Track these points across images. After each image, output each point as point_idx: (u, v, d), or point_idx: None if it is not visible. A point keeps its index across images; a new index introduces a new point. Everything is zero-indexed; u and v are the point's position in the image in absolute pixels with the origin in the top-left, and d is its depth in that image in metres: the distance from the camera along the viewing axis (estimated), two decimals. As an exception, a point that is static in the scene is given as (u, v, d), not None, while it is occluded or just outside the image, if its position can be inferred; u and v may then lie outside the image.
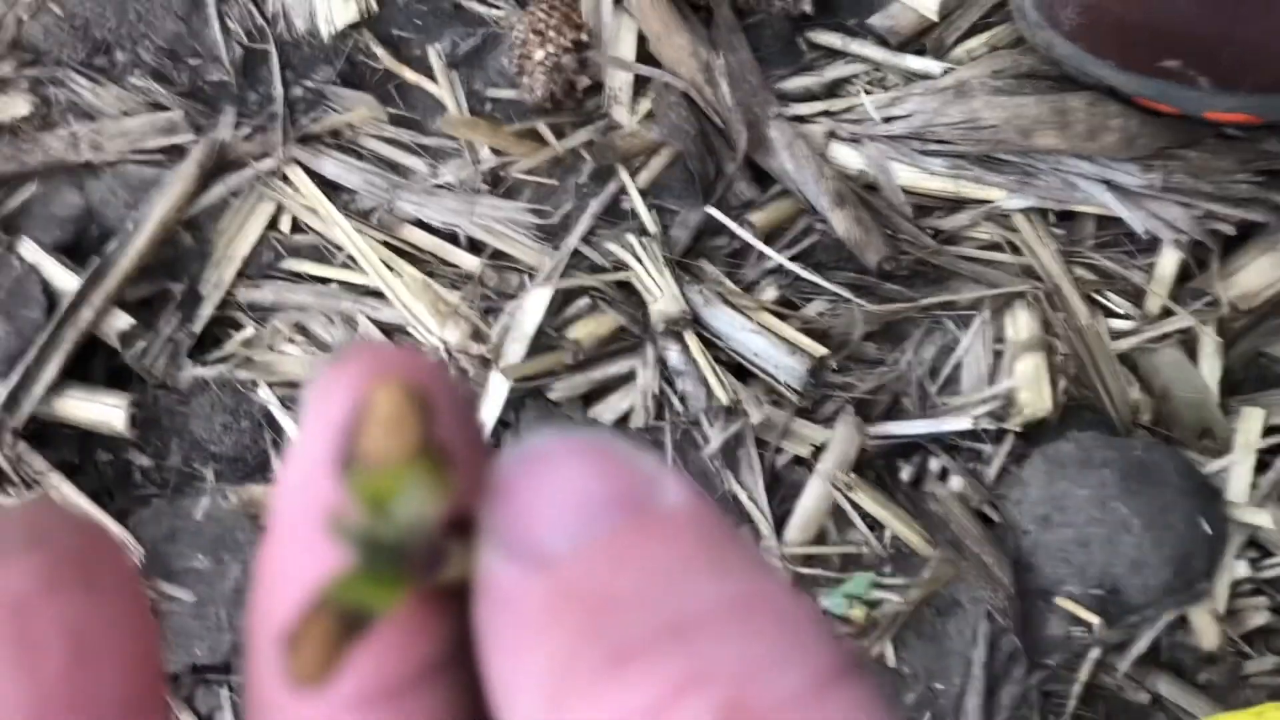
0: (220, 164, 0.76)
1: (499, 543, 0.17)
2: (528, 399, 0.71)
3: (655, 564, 0.16)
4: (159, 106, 0.77)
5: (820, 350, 0.70)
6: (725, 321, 0.71)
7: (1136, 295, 0.73)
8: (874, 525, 0.71)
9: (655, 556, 0.16)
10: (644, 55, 0.75)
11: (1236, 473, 0.71)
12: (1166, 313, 0.73)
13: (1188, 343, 0.73)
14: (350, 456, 0.15)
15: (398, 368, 0.17)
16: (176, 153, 0.76)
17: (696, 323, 0.71)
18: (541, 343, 0.71)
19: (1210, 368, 0.72)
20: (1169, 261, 0.73)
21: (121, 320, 0.73)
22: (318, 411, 0.17)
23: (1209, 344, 0.72)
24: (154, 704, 0.17)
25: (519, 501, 0.17)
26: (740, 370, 0.71)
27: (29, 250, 0.74)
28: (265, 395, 0.73)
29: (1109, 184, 0.72)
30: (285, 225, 0.76)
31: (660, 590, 0.16)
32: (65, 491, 0.71)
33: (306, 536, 0.16)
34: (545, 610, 0.16)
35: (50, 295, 0.73)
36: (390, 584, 0.16)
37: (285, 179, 0.76)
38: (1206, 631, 0.69)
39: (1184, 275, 0.73)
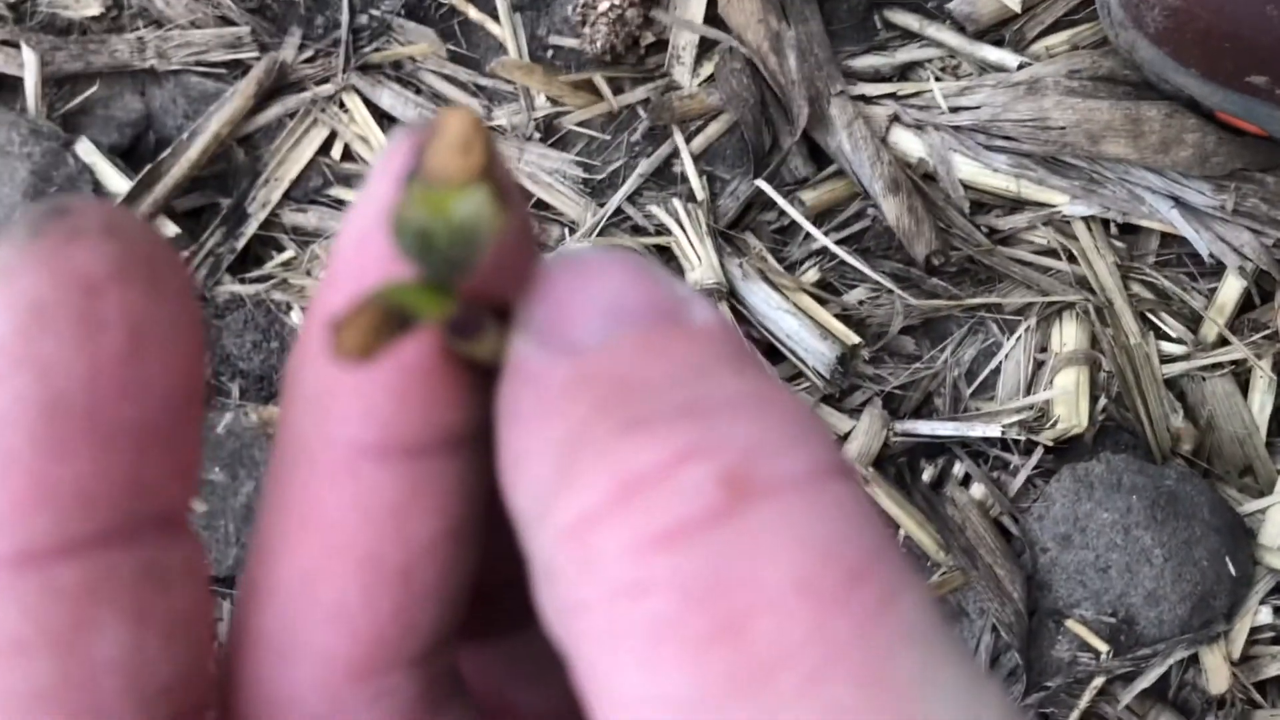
0: (280, 84, 0.76)
1: (532, 330, 0.18)
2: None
3: (677, 359, 0.17)
4: (227, 20, 0.77)
5: (854, 339, 0.69)
6: (761, 298, 0.69)
7: (1193, 320, 0.70)
8: (888, 523, 0.69)
9: (678, 354, 0.17)
10: (712, 17, 0.73)
11: (1273, 515, 0.68)
12: (1222, 341, 0.69)
13: (1240, 375, 0.70)
14: (417, 168, 0.16)
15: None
16: (239, 68, 0.76)
17: (732, 296, 0.69)
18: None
19: (1261, 404, 0.69)
20: (1231, 289, 0.69)
21: (168, 229, 0.74)
22: (396, 144, 0.17)
23: (1263, 379, 0.69)
24: (194, 412, 0.18)
25: (557, 297, 0.18)
26: (771, 350, 0.70)
27: (85, 150, 0.75)
28: (297, 318, 0.74)
29: (1177, 201, 0.68)
30: (337, 152, 0.76)
31: (679, 379, 0.16)
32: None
33: (372, 248, 0.17)
34: (566, 389, 0.17)
35: (102, 197, 0.74)
36: (439, 294, 0.17)
37: (342, 106, 0.76)
38: (1217, 674, 0.66)
39: (1245, 305, 0.70)
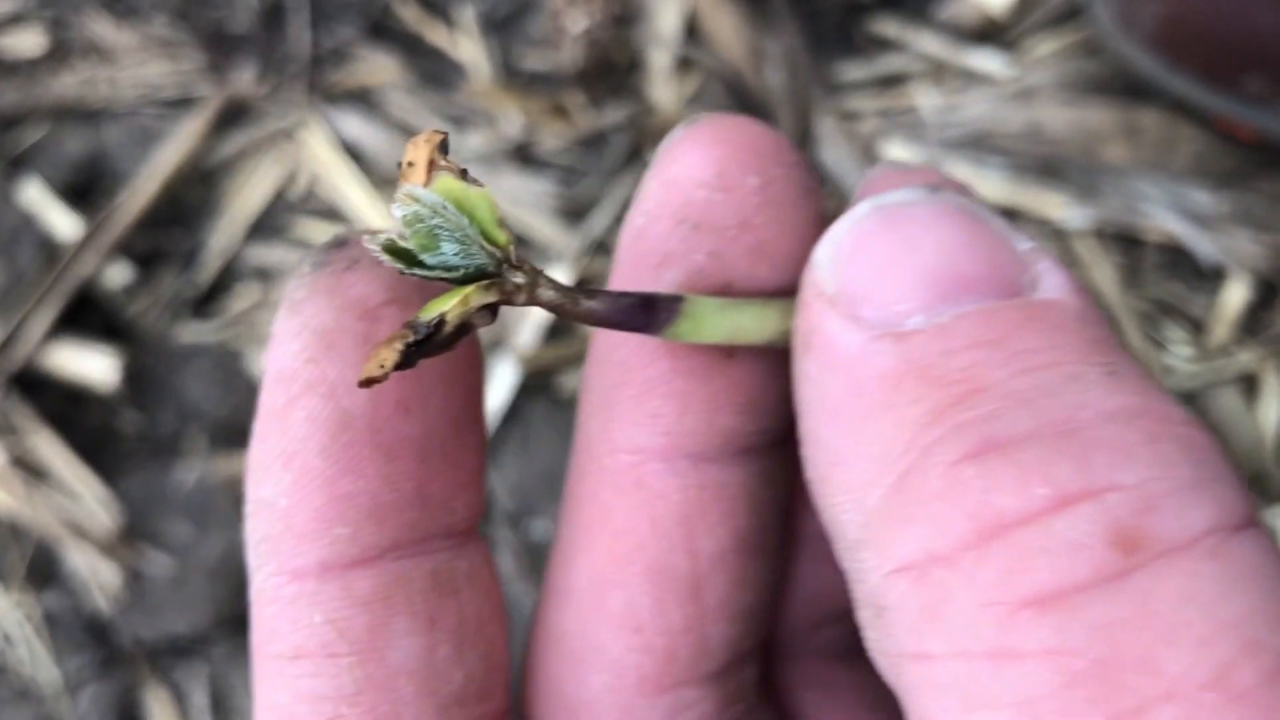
0: (238, 117, 0.73)
1: (837, 299, 0.15)
2: (538, 394, 0.68)
3: (1033, 357, 0.14)
4: (179, 53, 0.74)
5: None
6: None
7: (1195, 328, 0.68)
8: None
9: (1034, 349, 0.14)
10: (689, 32, 0.71)
11: (1287, 528, 0.66)
12: (1226, 350, 0.68)
13: (1247, 383, 0.68)
14: (399, 194, 0.17)
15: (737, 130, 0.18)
16: (193, 103, 0.73)
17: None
18: (555, 330, 0.67)
19: (1269, 412, 0.67)
20: (1234, 295, 0.68)
21: (124, 272, 0.70)
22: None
23: (1270, 387, 0.67)
24: (473, 425, 0.19)
25: (869, 258, 0.15)
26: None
27: (34, 191, 0.71)
28: (265, 360, 0.70)
29: (1176, 207, 0.67)
30: (300, 185, 0.73)
31: (1041, 387, 0.13)
32: (53, 445, 0.68)
33: (659, 229, 0.18)
34: (894, 382, 0.14)
35: (52, 238, 0.71)
36: (470, 287, 0.17)
37: (304, 137, 0.72)
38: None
39: (1249, 312, 0.68)
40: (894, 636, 0.14)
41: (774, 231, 0.18)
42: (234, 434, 0.70)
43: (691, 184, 0.18)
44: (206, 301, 0.71)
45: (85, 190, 0.72)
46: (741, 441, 0.18)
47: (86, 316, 0.71)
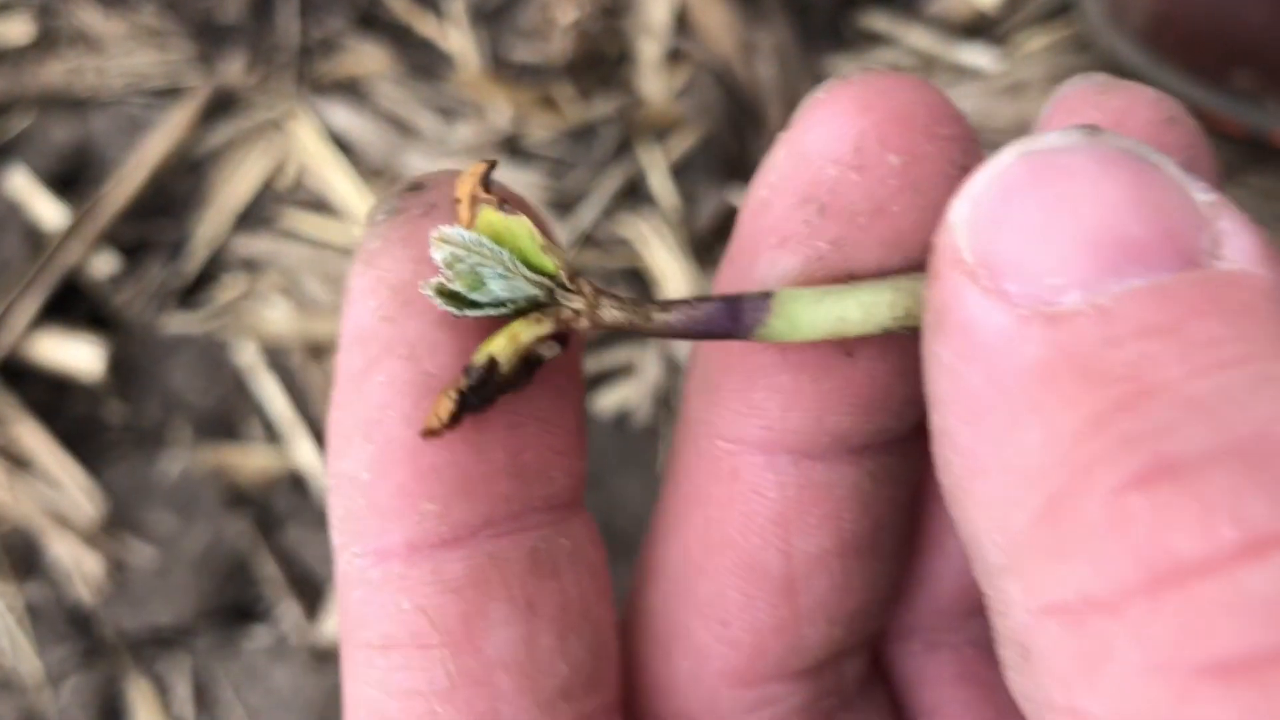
0: (226, 107, 0.73)
1: (976, 270, 0.13)
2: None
3: (1216, 351, 0.11)
4: (167, 43, 0.73)
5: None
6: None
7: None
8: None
9: (1215, 340, 0.11)
10: (679, 24, 0.71)
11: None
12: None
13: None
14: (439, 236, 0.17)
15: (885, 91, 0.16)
16: (181, 93, 0.73)
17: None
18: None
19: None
20: (1221, 292, 0.68)
21: (110, 261, 0.70)
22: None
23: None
24: (569, 387, 0.17)
25: (1018, 223, 0.12)
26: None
27: (20, 179, 0.71)
28: (251, 350, 0.70)
29: (1164, 203, 0.67)
30: (288, 175, 0.72)
31: (1224, 392, 0.11)
32: (37, 434, 0.68)
33: (779, 205, 0.17)
34: (1046, 378, 0.12)
35: (38, 227, 0.70)
36: (520, 322, 0.16)
37: (292, 128, 0.72)
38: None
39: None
40: (1041, 685, 0.12)
41: (912, 220, 0.15)
42: (219, 425, 0.70)
43: (823, 159, 0.16)
44: (193, 292, 0.71)
45: (72, 179, 0.72)
46: (855, 442, 0.16)
47: (72, 306, 0.70)
